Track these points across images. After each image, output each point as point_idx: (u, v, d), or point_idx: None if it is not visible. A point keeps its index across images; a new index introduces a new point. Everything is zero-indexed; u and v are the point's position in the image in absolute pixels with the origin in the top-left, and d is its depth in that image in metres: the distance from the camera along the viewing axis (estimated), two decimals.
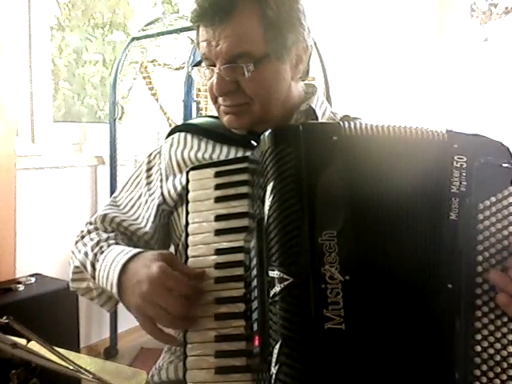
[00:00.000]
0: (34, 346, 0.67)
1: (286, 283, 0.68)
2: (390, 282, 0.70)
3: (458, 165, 0.73)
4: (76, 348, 2.05)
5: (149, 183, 1.05)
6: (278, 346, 0.66)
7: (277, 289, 0.68)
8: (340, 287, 0.67)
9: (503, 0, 3.42)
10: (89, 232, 1.03)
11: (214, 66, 0.91)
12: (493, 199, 0.72)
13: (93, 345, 2.50)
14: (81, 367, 0.67)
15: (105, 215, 1.04)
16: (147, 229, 1.02)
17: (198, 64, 0.96)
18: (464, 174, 0.72)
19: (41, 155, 2.31)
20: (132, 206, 1.06)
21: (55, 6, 2.55)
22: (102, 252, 0.92)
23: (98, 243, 0.96)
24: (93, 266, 0.93)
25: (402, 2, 3.41)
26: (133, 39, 2.45)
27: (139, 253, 0.85)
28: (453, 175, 0.72)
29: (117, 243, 0.95)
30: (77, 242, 1.03)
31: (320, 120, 0.98)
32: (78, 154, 2.52)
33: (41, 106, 2.37)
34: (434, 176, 0.73)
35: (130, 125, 2.76)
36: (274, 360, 0.66)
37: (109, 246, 0.94)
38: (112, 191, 2.49)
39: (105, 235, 0.99)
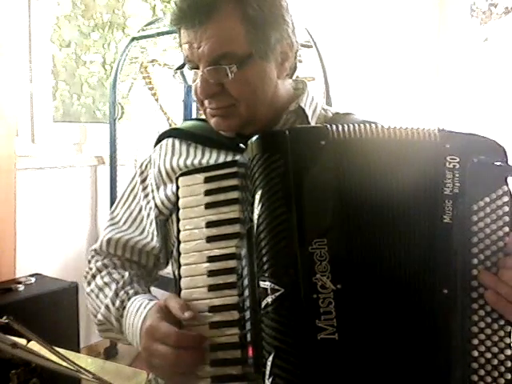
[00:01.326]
0: (34, 345, 0.67)
1: (277, 294, 0.67)
2: (384, 290, 0.69)
3: (451, 166, 0.70)
4: (76, 348, 2.05)
5: (146, 196, 1.02)
6: (271, 358, 0.66)
7: (268, 300, 0.67)
8: (332, 296, 0.67)
9: (503, 0, 3.42)
10: (98, 270, 1.00)
11: (198, 68, 0.89)
12: (487, 199, 0.70)
13: (93, 345, 2.50)
14: (81, 367, 0.67)
15: (109, 239, 1.02)
16: (154, 243, 1.00)
17: (181, 67, 0.94)
18: (457, 175, 0.70)
19: (41, 155, 2.31)
20: (133, 221, 1.03)
21: (55, 6, 2.55)
22: (124, 307, 0.91)
23: (116, 294, 0.93)
24: (118, 321, 0.91)
25: (402, 1, 3.41)
26: (133, 39, 2.45)
27: (151, 308, 0.85)
28: (446, 177, 0.70)
29: (136, 292, 0.93)
30: (89, 283, 1.00)
31: (310, 118, 0.95)
32: (77, 154, 2.52)
33: (41, 106, 2.37)
34: (427, 178, 0.71)
35: (130, 125, 2.76)
36: (267, 372, 0.66)
37: (128, 297, 0.92)
38: (112, 191, 2.49)
39: (118, 277, 0.96)
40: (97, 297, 0.97)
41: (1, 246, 2.07)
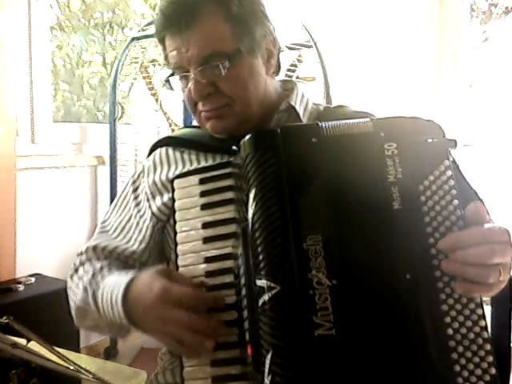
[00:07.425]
0: (34, 346, 0.67)
1: (273, 292, 0.67)
2: (370, 283, 0.69)
3: (390, 153, 0.71)
4: (76, 348, 2.05)
5: (137, 204, 1.02)
6: (269, 356, 0.66)
7: (265, 298, 0.68)
8: (328, 292, 0.67)
9: (503, 0, 3.42)
10: (81, 264, 1.00)
11: (188, 72, 0.89)
12: (431, 178, 0.70)
13: (93, 345, 2.50)
14: (81, 367, 0.67)
15: (95, 246, 1.01)
16: (141, 250, 0.99)
17: (171, 75, 0.94)
18: (397, 161, 0.71)
19: (41, 155, 2.31)
20: (122, 229, 1.03)
21: (55, 6, 2.55)
22: (99, 287, 0.90)
23: (93, 275, 0.93)
24: (95, 302, 0.90)
25: (401, 1, 3.41)
26: (133, 39, 2.45)
27: (133, 278, 0.83)
28: (387, 164, 0.71)
29: (111, 272, 0.92)
30: (72, 276, 1.00)
31: (302, 116, 0.96)
32: (77, 154, 2.52)
33: (41, 106, 2.37)
34: (373, 169, 0.72)
35: (130, 125, 2.76)
36: (266, 370, 0.66)
37: (103, 277, 0.91)
38: (112, 191, 2.49)
39: (98, 264, 0.96)
40: (77, 286, 0.96)
41: (1, 246, 2.07)
